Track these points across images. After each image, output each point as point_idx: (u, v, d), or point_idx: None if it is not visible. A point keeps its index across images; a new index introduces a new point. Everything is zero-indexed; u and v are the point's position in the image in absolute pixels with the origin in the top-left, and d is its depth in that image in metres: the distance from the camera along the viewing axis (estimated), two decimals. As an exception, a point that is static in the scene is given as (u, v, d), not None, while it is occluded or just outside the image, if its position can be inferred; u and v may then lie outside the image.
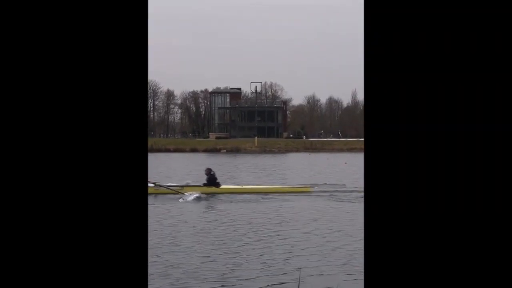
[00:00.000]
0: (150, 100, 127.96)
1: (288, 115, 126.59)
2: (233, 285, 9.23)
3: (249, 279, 9.61)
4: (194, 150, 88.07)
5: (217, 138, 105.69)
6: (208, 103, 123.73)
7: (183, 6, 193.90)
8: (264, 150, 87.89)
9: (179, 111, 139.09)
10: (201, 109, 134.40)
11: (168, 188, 22.61)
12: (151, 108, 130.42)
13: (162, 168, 42.75)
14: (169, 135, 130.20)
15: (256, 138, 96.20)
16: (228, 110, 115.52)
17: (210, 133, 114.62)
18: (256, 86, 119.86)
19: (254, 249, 12.02)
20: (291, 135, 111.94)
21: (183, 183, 23.75)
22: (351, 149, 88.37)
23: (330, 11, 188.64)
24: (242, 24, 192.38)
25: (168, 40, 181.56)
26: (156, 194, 22.03)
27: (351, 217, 16.97)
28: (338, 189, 25.48)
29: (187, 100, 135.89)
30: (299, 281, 8.78)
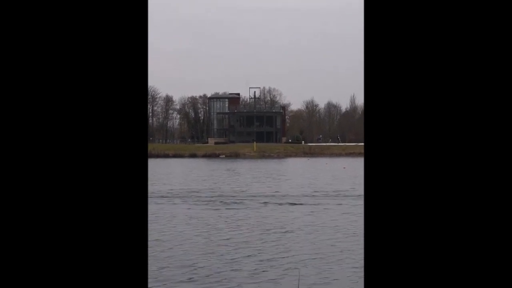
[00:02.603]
0: (149, 106, 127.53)
1: (287, 120, 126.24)
2: (233, 283, 9.24)
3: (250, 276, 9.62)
4: (193, 156, 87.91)
5: (216, 143, 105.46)
6: (207, 108, 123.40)
7: (181, 11, 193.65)
8: (263, 155, 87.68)
9: (178, 116, 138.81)
10: (200, 115, 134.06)
11: None
12: (150, 114, 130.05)
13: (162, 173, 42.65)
14: (168, 141, 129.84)
15: (255, 143, 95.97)
16: (227, 115, 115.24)
17: (209, 138, 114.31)
18: (255, 91, 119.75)
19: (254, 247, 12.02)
20: (290, 140, 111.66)
21: None
22: (350, 154, 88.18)
23: (329, 15, 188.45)
24: (240, 29, 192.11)
25: (166, 45, 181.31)
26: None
27: (352, 219, 16.96)
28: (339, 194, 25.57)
29: (186, 106, 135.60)
30: (298, 281, 8.77)
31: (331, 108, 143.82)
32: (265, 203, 22.24)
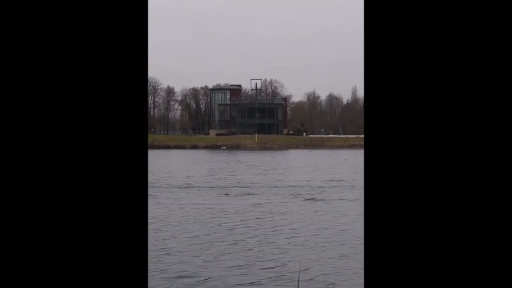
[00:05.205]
0: (150, 97, 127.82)
1: (288, 112, 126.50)
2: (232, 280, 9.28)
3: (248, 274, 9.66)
4: (194, 147, 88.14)
5: (217, 134, 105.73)
6: (208, 99, 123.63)
7: (183, 2, 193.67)
8: (264, 147, 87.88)
9: (179, 107, 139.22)
10: (201, 106, 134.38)
11: None
12: (151, 105, 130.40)
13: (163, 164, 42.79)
14: (169, 132, 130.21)
15: (256, 134, 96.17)
16: (228, 107, 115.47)
17: (210, 130, 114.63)
18: (256, 83, 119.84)
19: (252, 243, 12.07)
20: (291, 132, 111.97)
21: None
22: (351, 146, 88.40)
23: (330, 7, 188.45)
24: (242, 21, 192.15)
25: (168, 36, 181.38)
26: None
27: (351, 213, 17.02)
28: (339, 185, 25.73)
29: (187, 97, 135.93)
30: (298, 277, 8.79)
31: (333, 100, 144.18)
32: (295, 195, 22.33)
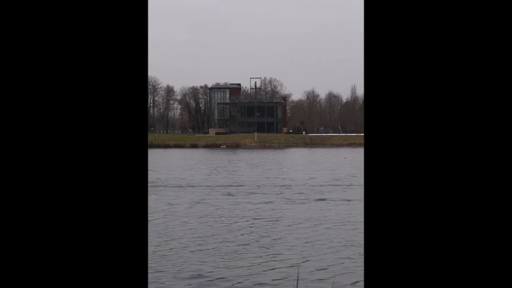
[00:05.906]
0: (149, 96, 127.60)
1: (288, 111, 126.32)
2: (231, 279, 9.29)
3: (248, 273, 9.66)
4: (194, 146, 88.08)
5: (216, 133, 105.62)
6: (208, 98, 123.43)
7: (182, 1, 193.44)
8: (263, 146, 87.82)
9: (179, 106, 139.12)
10: (200, 105, 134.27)
11: None
12: (151, 104, 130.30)
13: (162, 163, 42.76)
14: (169, 131, 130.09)
15: (255, 133, 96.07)
16: (227, 106, 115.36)
17: (209, 129, 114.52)
18: (255, 82, 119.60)
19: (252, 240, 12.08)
20: (291, 131, 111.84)
21: None
22: (350, 144, 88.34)
23: (330, 5, 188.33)
24: (241, 19, 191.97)
25: (167, 35, 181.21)
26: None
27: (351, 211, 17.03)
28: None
29: (186, 96, 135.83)
30: (297, 276, 8.79)
31: (332, 98, 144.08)
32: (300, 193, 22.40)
